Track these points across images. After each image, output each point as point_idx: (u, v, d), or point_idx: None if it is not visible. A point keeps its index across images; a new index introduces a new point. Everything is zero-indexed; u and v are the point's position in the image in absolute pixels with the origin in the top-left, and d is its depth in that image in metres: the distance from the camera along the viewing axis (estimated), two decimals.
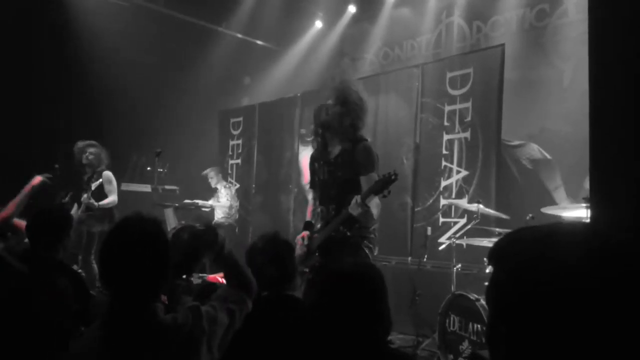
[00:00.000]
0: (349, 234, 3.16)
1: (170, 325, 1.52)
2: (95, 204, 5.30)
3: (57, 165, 5.56)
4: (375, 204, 3.08)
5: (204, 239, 1.81)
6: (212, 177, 7.19)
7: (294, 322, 1.94)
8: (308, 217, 3.54)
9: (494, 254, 0.76)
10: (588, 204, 3.28)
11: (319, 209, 3.41)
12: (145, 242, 1.53)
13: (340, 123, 3.23)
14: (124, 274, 1.50)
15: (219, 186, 7.20)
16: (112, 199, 5.47)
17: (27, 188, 3.50)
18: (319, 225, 3.40)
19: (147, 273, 1.52)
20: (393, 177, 2.89)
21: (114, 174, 5.73)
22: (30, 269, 2.05)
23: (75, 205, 5.50)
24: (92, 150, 5.52)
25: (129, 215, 1.62)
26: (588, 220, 3.23)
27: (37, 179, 3.64)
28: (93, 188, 5.41)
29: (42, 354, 1.31)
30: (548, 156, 5.62)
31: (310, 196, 3.66)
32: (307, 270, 3.31)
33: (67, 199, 5.24)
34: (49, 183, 3.84)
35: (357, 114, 3.26)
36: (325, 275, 1.68)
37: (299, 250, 3.37)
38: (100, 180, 5.49)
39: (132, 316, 1.49)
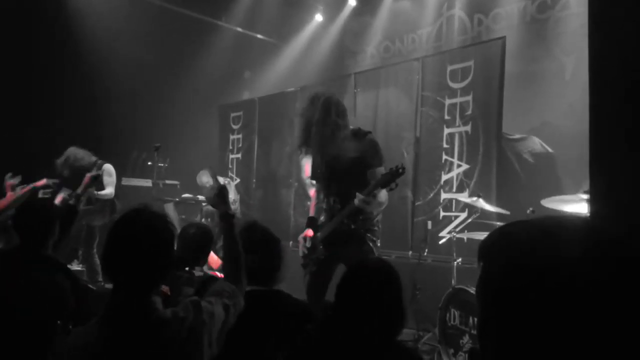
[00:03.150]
0: (353, 226, 3.15)
1: (171, 319, 1.51)
2: (95, 192, 5.30)
3: (58, 161, 5.56)
4: (383, 195, 3.08)
5: (210, 235, 1.81)
6: (207, 180, 6.99)
7: (284, 318, 1.93)
8: (311, 213, 3.52)
9: (484, 249, 0.74)
10: (588, 198, 3.27)
11: (323, 203, 3.39)
12: (150, 235, 1.52)
13: (331, 134, 3.21)
14: (127, 264, 1.50)
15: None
16: (109, 191, 5.45)
17: (29, 187, 3.48)
18: (322, 219, 3.39)
19: (150, 266, 1.51)
20: (400, 171, 2.89)
21: (115, 169, 5.72)
22: (20, 265, 2.04)
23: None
24: (71, 162, 5.38)
25: (137, 206, 1.60)
26: (583, 215, 3.23)
27: (42, 182, 3.63)
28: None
29: (32, 350, 1.31)
30: (550, 150, 5.60)
31: (312, 190, 3.64)
32: (310, 263, 3.30)
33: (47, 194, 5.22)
34: (52, 187, 3.83)
35: (340, 122, 3.23)
36: (349, 269, 1.67)
37: (300, 247, 3.37)
38: (99, 172, 5.47)
39: (132, 309, 1.49)
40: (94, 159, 5.44)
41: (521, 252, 0.69)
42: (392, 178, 2.90)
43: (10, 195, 3.29)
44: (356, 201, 2.98)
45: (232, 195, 6.90)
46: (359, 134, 3.26)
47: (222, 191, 1.89)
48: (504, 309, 0.67)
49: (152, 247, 1.51)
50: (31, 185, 3.51)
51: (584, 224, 0.75)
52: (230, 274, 1.79)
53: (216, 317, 1.60)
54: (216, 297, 1.67)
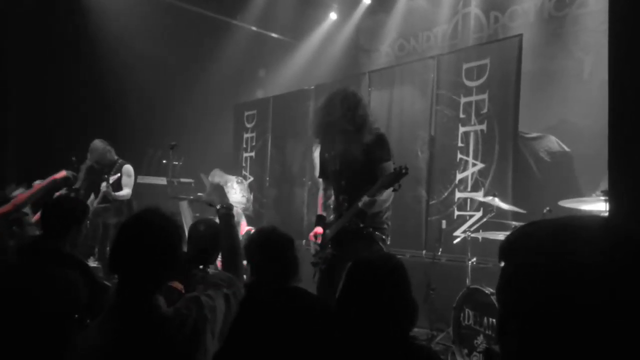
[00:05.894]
0: (361, 225, 3.14)
1: (173, 317, 1.52)
2: (112, 193, 5.36)
3: (74, 158, 5.64)
4: (386, 194, 3.07)
5: (219, 230, 1.82)
6: (219, 180, 7.02)
7: (301, 311, 1.93)
8: (319, 211, 3.53)
9: (505, 248, 0.74)
10: (607, 197, 3.22)
11: (330, 201, 3.40)
12: (156, 236, 1.54)
13: (340, 127, 3.21)
14: (130, 264, 1.52)
15: (229, 184, 7.08)
16: (126, 192, 5.52)
17: (49, 180, 3.50)
18: (331, 217, 3.39)
19: (153, 266, 1.52)
20: (404, 171, 2.88)
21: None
22: (38, 260, 2.07)
23: (92, 196, 5.57)
24: (93, 155, 5.52)
25: (146, 207, 1.63)
26: (603, 214, 3.17)
27: (62, 174, 3.65)
28: (111, 181, 5.45)
29: (47, 346, 1.32)
30: (566, 149, 5.53)
31: (320, 187, 3.65)
32: (320, 261, 3.30)
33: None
34: (72, 180, 3.85)
35: (352, 115, 3.22)
36: (352, 265, 1.66)
37: (312, 246, 3.37)
38: (119, 174, 5.54)
39: (135, 308, 1.50)
40: (115, 157, 5.54)
41: (541, 251, 0.68)
42: (395, 179, 2.90)
43: (29, 192, 3.33)
44: (360, 203, 2.99)
45: (245, 193, 6.90)
46: (368, 131, 3.25)
47: (217, 188, 1.92)
48: (525, 308, 0.67)
49: (157, 247, 1.53)
50: (50, 179, 3.53)
51: (604, 223, 0.74)
52: (227, 263, 1.81)
53: (218, 311, 1.62)
54: (215, 290, 1.67)
